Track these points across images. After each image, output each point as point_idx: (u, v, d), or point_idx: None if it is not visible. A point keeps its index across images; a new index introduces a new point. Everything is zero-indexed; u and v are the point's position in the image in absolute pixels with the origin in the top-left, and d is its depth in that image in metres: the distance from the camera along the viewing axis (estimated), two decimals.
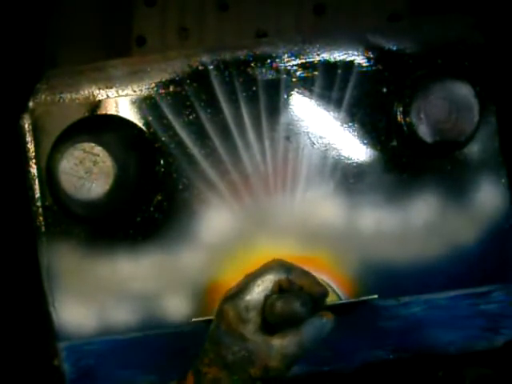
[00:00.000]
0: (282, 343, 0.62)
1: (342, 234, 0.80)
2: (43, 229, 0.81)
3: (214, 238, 0.80)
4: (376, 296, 0.76)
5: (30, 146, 0.81)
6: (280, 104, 0.80)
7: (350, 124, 0.80)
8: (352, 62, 0.80)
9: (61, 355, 0.82)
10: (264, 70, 0.80)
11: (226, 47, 0.82)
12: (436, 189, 0.80)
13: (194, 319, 0.77)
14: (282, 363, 0.62)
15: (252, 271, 0.67)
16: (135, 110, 0.81)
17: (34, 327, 1.08)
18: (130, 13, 1.13)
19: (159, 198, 0.81)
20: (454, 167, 0.80)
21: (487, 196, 0.80)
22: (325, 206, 0.80)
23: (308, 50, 0.81)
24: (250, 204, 0.80)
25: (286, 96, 0.80)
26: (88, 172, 0.74)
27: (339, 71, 0.80)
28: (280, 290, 0.64)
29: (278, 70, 0.80)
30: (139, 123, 0.81)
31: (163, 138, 0.80)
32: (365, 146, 0.80)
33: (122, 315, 0.81)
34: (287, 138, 0.80)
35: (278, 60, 0.80)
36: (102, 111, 0.81)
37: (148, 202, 0.81)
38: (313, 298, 0.64)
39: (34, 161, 0.81)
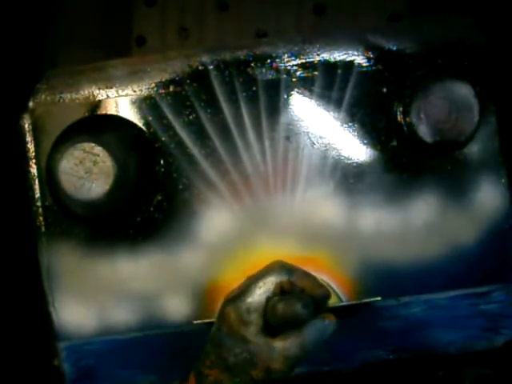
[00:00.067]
0: (283, 345, 0.62)
1: (342, 234, 0.80)
2: (43, 229, 0.81)
3: (214, 238, 0.80)
4: (379, 298, 0.77)
5: (30, 146, 0.81)
6: (280, 104, 0.80)
7: (350, 124, 0.80)
8: (352, 61, 0.80)
9: (61, 355, 0.82)
10: (264, 70, 0.80)
11: (226, 47, 0.82)
12: (436, 189, 0.80)
13: (195, 321, 0.77)
14: (284, 365, 0.62)
15: (253, 273, 0.67)
16: (135, 110, 0.81)
17: (34, 327, 1.08)
18: (130, 13, 1.13)
19: (159, 198, 0.81)
20: (454, 167, 0.80)
21: (487, 196, 0.80)
22: (325, 206, 0.80)
23: (308, 50, 0.81)
24: (250, 204, 0.80)
25: (286, 96, 0.80)
26: (88, 172, 0.74)
27: (339, 71, 0.80)
28: (282, 291, 0.64)
29: (278, 70, 0.80)
30: (139, 123, 0.81)
31: (163, 138, 0.80)
32: (365, 146, 0.80)
33: (122, 315, 0.81)
34: (287, 138, 0.80)
35: (278, 60, 0.80)
36: (102, 111, 0.81)
37: (148, 202, 0.81)
38: (315, 299, 0.64)
39: (33, 161, 0.81)
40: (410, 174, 0.80)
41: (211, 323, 0.68)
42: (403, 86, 0.79)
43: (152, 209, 0.81)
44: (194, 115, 0.80)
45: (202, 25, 1.11)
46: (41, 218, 0.81)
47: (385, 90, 0.80)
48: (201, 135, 0.80)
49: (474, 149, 0.80)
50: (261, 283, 0.65)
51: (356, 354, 0.82)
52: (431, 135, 0.75)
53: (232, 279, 0.77)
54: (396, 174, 0.80)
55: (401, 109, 0.78)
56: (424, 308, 0.80)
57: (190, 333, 0.80)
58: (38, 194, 0.81)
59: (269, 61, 0.80)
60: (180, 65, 0.81)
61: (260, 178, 0.80)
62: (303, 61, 0.80)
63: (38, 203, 0.81)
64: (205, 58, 0.81)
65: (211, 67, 0.80)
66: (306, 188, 0.80)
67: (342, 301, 0.79)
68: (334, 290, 0.79)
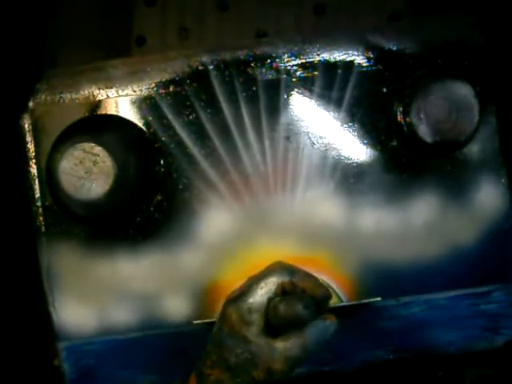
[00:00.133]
0: (285, 346, 0.62)
1: (342, 234, 0.80)
2: (43, 229, 0.81)
3: (214, 238, 0.80)
4: (379, 298, 0.77)
5: (30, 146, 0.81)
6: (280, 104, 0.80)
7: (350, 124, 0.80)
8: (352, 61, 0.80)
9: (61, 355, 0.82)
10: (264, 70, 0.80)
11: (226, 47, 0.82)
12: (436, 189, 0.80)
13: (195, 321, 0.77)
14: (286, 366, 0.62)
15: (255, 274, 0.67)
16: (135, 110, 0.81)
17: (34, 327, 1.08)
18: (130, 13, 1.13)
19: (159, 198, 0.81)
20: (454, 167, 0.80)
21: (487, 196, 0.80)
22: (325, 206, 0.80)
23: (308, 50, 0.80)
24: (250, 204, 0.80)
25: (286, 96, 0.80)
26: (88, 172, 0.74)
27: (339, 71, 0.80)
28: (283, 292, 0.64)
29: (278, 70, 0.80)
30: (139, 123, 0.81)
31: (163, 138, 0.80)
32: (365, 146, 0.80)
33: (122, 315, 0.81)
34: (287, 138, 0.80)
35: (278, 60, 0.80)
36: (102, 111, 0.81)
37: (148, 202, 0.81)
38: (316, 300, 0.64)
39: (34, 161, 0.81)
40: (410, 174, 0.80)
41: (211, 323, 0.68)
42: (403, 86, 0.78)
43: (152, 209, 0.81)
44: (194, 115, 0.80)
45: (202, 25, 1.11)
46: (41, 218, 0.81)
47: (385, 90, 0.80)
48: (201, 135, 0.80)
49: (474, 149, 0.80)
50: (262, 284, 0.65)
51: (356, 354, 0.82)
52: (431, 135, 0.75)
53: (232, 279, 0.77)
54: (396, 174, 0.80)
55: (401, 109, 0.78)
56: (424, 308, 0.80)
57: (190, 333, 0.80)
58: (37, 194, 0.81)
59: (269, 61, 0.80)
60: (180, 65, 0.81)
61: (260, 178, 0.80)
62: (303, 61, 0.80)
63: (38, 203, 0.81)
64: (205, 58, 0.81)
65: (211, 67, 0.80)
66: (306, 188, 0.80)
67: (342, 301, 0.79)
68: (334, 290, 0.79)
